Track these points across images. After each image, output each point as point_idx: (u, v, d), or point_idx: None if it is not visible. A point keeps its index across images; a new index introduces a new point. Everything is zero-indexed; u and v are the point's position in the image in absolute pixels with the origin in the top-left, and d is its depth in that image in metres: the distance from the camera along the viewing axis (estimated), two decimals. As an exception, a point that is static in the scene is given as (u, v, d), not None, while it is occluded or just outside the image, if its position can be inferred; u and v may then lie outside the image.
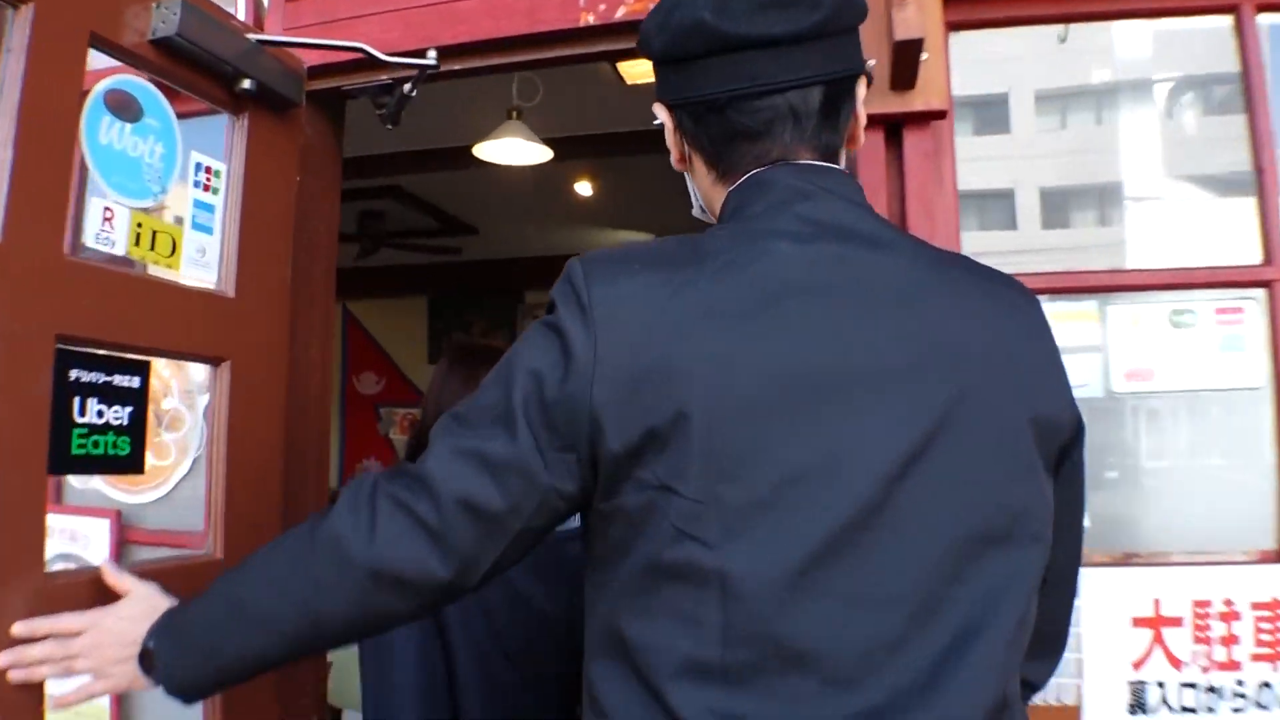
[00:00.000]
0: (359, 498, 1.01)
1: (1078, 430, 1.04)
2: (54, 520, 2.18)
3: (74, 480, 2.30)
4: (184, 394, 2.19)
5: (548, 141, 4.40)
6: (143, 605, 1.22)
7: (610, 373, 0.91)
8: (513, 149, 4.18)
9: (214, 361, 1.70)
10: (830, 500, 0.89)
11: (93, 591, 1.29)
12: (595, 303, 0.93)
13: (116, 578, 1.29)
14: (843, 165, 1.10)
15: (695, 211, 1.22)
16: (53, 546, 2.15)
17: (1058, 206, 1.89)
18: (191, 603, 1.16)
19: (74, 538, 2.22)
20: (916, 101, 1.66)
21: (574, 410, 0.92)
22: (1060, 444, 1.01)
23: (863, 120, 1.12)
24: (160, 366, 2.09)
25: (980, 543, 0.92)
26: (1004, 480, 0.95)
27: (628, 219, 7.06)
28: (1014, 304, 1.04)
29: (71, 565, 2.15)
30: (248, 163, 1.78)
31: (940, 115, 1.67)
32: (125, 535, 2.22)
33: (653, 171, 5.49)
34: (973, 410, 0.93)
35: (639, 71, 4.15)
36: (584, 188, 5.67)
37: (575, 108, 4.55)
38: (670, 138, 1.14)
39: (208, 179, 1.72)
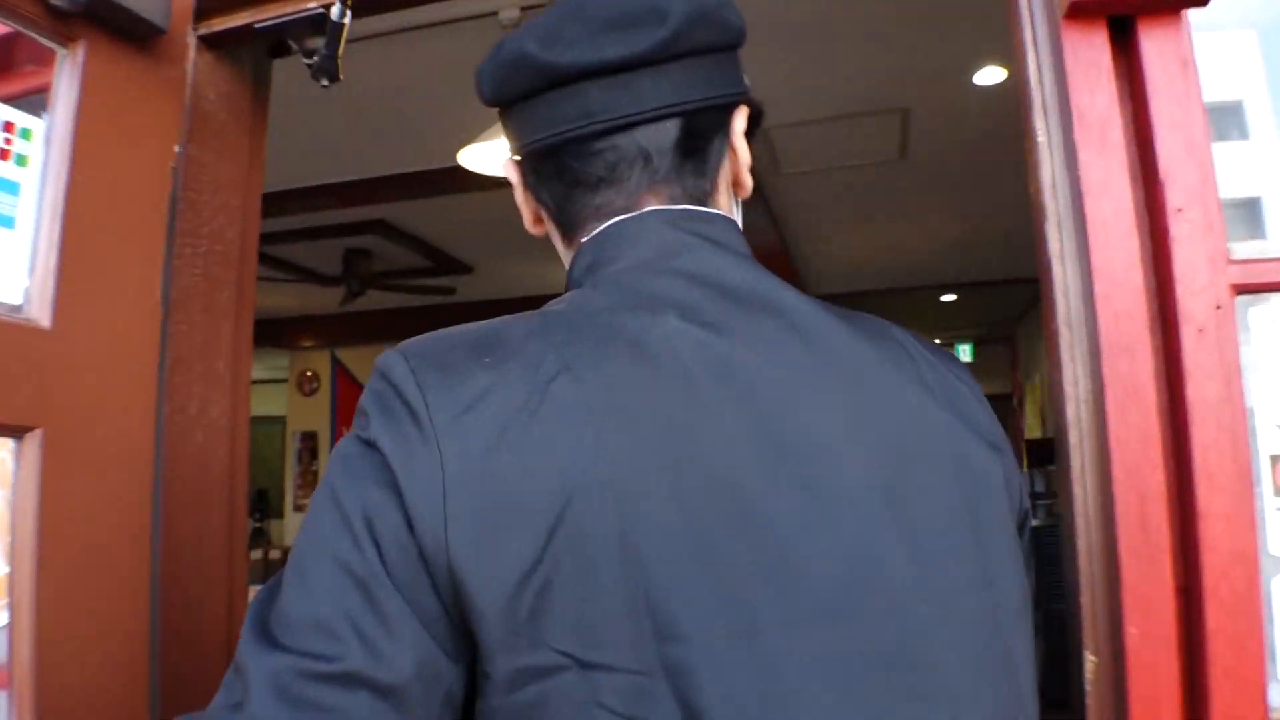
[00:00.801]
0: None
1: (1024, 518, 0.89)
2: None
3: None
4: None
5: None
6: None
7: (467, 505, 0.67)
8: (504, 154, 3.37)
9: (9, 432, 1.03)
10: (842, 636, 0.70)
11: None
12: (433, 409, 0.70)
13: None
14: (729, 212, 0.90)
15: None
16: None
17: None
18: None
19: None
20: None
21: (426, 566, 0.67)
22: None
23: (745, 159, 0.91)
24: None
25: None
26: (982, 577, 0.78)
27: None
28: (949, 370, 0.87)
29: None
30: (81, 118, 1.13)
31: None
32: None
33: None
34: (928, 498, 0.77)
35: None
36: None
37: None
38: (519, 196, 0.96)
39: (5, 140, 1.06)
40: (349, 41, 1.37)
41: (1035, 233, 1.14)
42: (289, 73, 1.68)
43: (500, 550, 0.67)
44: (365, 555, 0.68)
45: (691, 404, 0.73)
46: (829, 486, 0.73)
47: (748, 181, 0.93)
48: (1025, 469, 6.21)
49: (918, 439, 0.79)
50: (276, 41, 1.53)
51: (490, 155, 3.01)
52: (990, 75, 3.64)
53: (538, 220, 0.97)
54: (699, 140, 0.87)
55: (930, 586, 0.74)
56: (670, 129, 0.86)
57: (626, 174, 0.86)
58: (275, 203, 5.02)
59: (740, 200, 0.95)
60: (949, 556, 0.76)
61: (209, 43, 1.43)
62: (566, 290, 0.86)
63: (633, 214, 0.86)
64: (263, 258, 6.24)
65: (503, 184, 3.40)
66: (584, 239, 0.88)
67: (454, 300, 7.84)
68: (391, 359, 0.74)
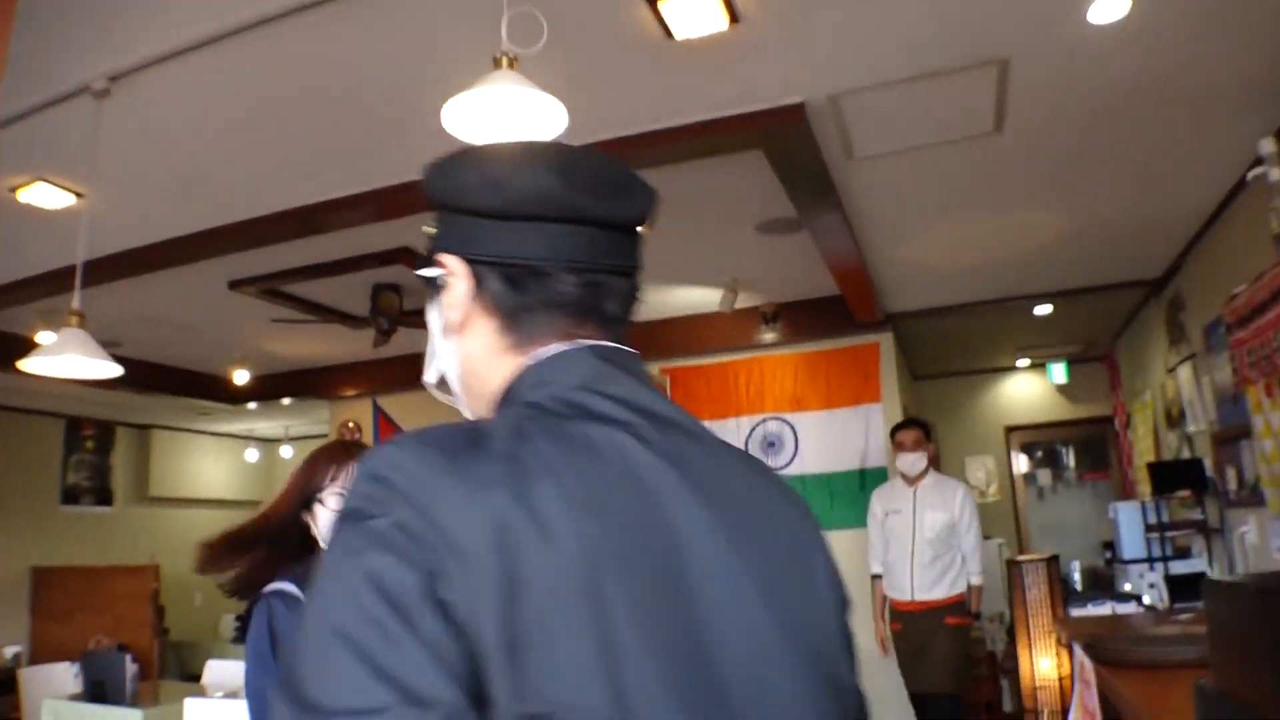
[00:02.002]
0: None
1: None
2: None
3: None
4: None
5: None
6: None
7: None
8: (501, 100, 2.39)
9: None
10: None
11: None
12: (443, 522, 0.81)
13: None
14: None
15: (429, 378, 1.10)
16: None
17: None
18: None
19: None
20: None
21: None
22: None
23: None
24: None
25: None
26: None
27: (688, 260, 5.74)
28: (803, 510, 1.06)
29: None
30: None
31: None
32: None
33: (717, 189, 4.14)
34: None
35: (695, 24, 2.88)
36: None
37: (601, 82, 3.28)
38: (457, 296, 1.02)
39: None
40: None
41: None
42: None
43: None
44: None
45: (645, 501, 0.88)
46: (718, 597, 0.87)
47: None
48: (1150, 495, 5.41)
49: (782, 546, 0.98)
50: None
51: (483, 111, 2.34)
52: (1107, 8, 2.91)
53: (462, 326, 1.03)
54: (635, 294, 1.06)
55: (804, 680, 0.91)
56: (633, 284, 1.05)
57: (598, 308, 1.01)
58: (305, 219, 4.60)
59: None
60: (828, 658, 0.96)
61: None
62: (504, 398, 1.00)
63: (572, 345, 0.99)
64: (289, 297, 5.77)
65: None
66: (527, 359, 0.99)
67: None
68: (385, 461, 0.85)
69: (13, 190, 3.93)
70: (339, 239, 4.99)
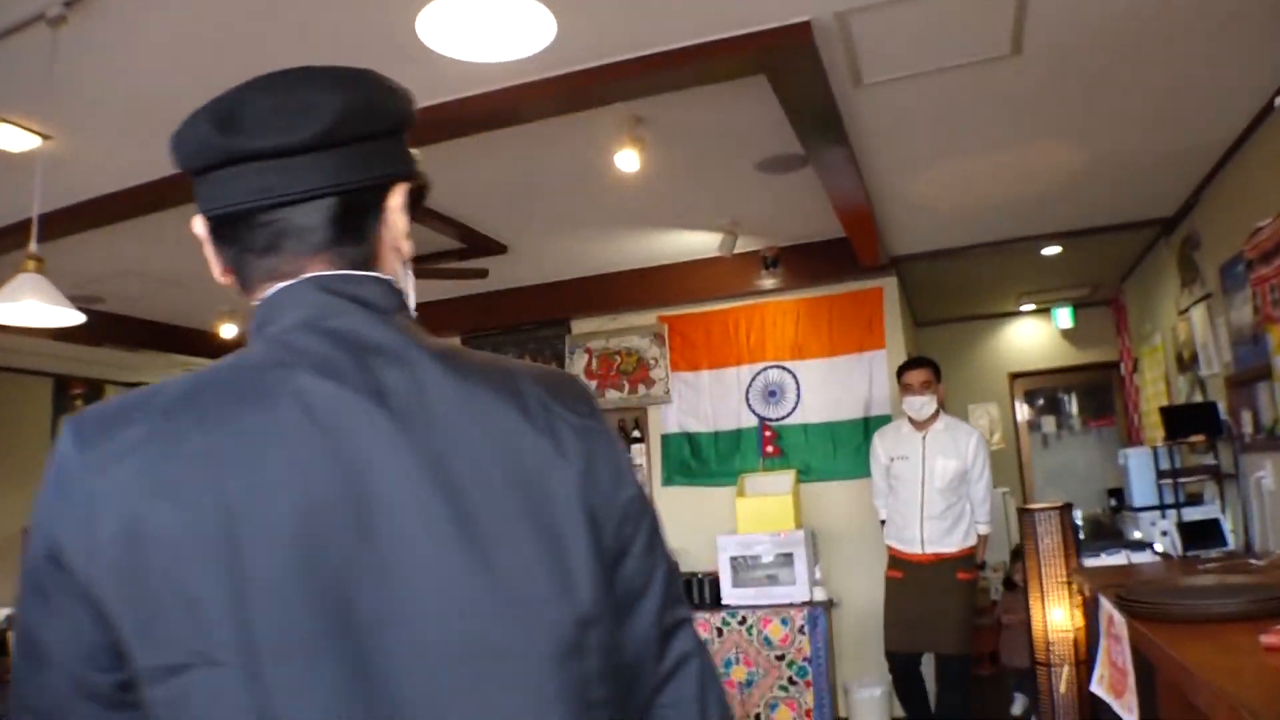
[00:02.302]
0: None
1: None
2: None
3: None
4: None
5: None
6: None
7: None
8: (482, 9, 2.23)
9: None
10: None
11: None
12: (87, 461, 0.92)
13: None
14: (396, 273, 1.09)
15: None
16: None
17: None
18: None
19: None
20: None
21: None
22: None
23: (400, 228, 1.09)
24: None
25: None
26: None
27: (685, 202, 5.53)
28: (550, 428, 1.01)
29: None
30: None
31: None
32: None
33: (715, 123, 3.93)
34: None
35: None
36: (627, 159, 4.14)
37: (587, 2, 3.06)
38: (208, 250, 1.09)
39: None
40: None
41: None
42: None
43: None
44: None
45: (297, 456, 0.90)
46: (405, 529, 0.90)
47: (406, 248, 1.11)
48: (1164, 441, 5.24)
49: (503, 470, 0.94)
50: None
51: (462, 22, 2.12)
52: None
53: (225, 271, 1.08)
54: (356, 215, 1.04)
55: (506, 599, 0.91)
56: (326, 206, 1.02)
57: (287, 245, 1.02)
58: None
59: (407, 262, 1.13)
60: (525, 572, 0.92)
61: None
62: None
63: (294, 280, 1.02)
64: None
65: (531, 132, 3.61)
66: (255, 301, 1.04)
67: (494, 288, 7.16)
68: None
69: (-31, 130, 3.72)
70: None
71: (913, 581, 5.12)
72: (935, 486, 5.09)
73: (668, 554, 1.10)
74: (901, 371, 5.34)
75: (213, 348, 8.21)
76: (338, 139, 1.00)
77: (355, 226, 1.04)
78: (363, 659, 0.85)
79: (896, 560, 5.25)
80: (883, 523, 5.45)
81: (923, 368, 5.24)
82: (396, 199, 1.08)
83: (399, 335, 1.00)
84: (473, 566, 0.89)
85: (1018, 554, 6.16)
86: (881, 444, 5.44)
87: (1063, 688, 4.15)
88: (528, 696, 0.89)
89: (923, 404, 5.18)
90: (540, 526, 0.94)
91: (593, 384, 7.06)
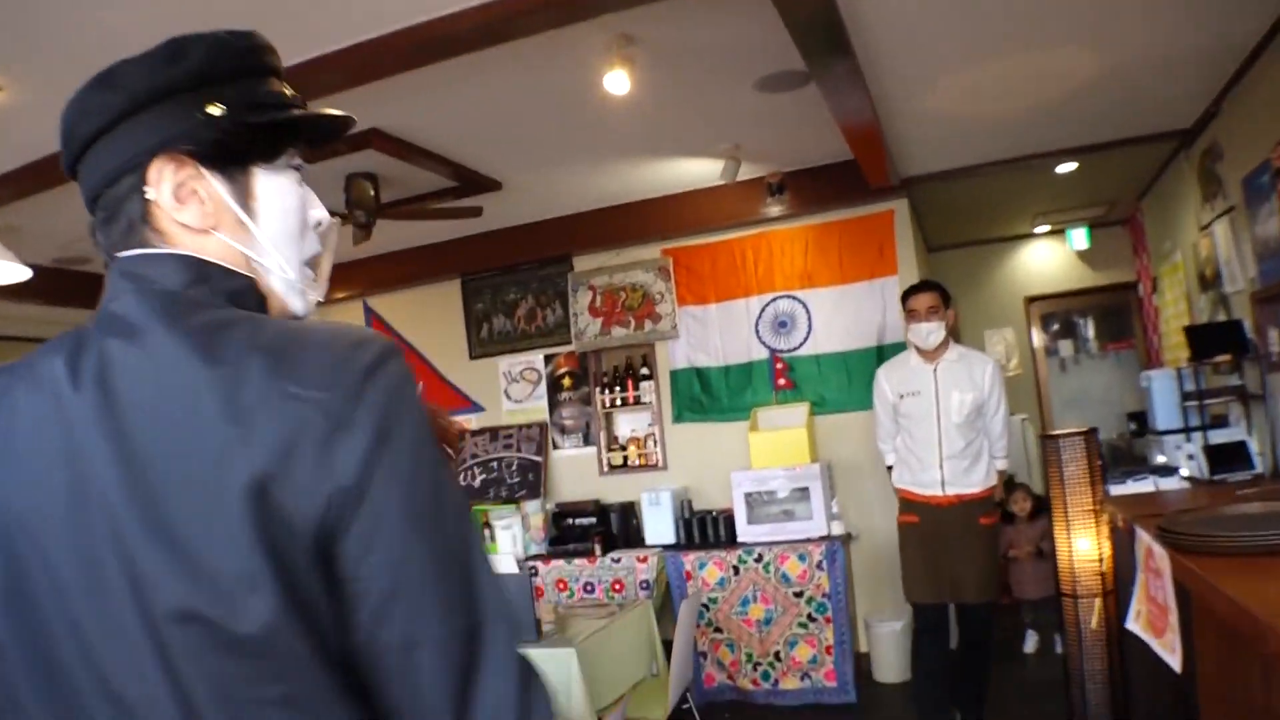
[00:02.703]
0: None
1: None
2: None
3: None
4: None
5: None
6: None
7: None
8: None
9: None
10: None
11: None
12: None
13: None
14: (221, 246, 1.06)
15: None
16: None
17: None
18: None
19: None
20: None
21: None
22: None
23: (168, 203, 1.04)
24: None
25: None
26: None
27: (683, 127, 5.31)
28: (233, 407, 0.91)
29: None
30: None
31: None
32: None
33: (709, 41, 3.71)
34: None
35: None
36: (617, 81, 3.92)
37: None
38: None
39: None
40: None
41: None
42: None
43: None
44: None
45: (61, 436, 0.94)
46: (106, 515, 0.90)
47: (199, 218, 1.05)
48: (1190, 362, 5.04)
49: (181, 454, 0.89)
50: None
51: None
52: None
53: None
54: (112, 207, 1.05)
55: (186, 584, 0.88)
56: (112, 197, 1.05)
57: (98, 234, 1.09)
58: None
59: (256, 225, 1.08)
60: (215, 550, 0.87)
61: None
62: None
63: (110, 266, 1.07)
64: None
65: (520, 56, 3.66)
66: None
67: (491, 228, 6.94)
68: None
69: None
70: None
71: (933, 526, 4.72)
72: (952, 421, 4.67)
73: (412, 555, 0.91)
74: (906, 296, 4.89)
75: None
76: (88, 138, 1.05)
77: (114, 218, 1.06)
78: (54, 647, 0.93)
79: (911, 504, 4.85)
80: (889, 468, 5.09)
81: (930, 291, 4.80)
82: (156, 173, 1.03)
83: (151, 312, 0.98)
84: (151, 543, 0.88)
85: (1011, 484, 6.01)
86: (887, 380, 4.99)
87: (1094, 623, 3.99)
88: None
89: (930, 331, 4.72)
90: (205, 515, 0.88)
91: (597, 321, 6.90)
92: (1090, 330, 9.30)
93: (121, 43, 3.22)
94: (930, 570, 4.70)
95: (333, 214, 4.39)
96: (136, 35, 3.21)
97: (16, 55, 3.14)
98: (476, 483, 7.17)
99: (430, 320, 7.64)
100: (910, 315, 4.81)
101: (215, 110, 1.04)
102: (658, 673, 4.66)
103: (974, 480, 4.68)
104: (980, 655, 4.75)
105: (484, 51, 3.60)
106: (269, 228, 1.08)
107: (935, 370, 4.76)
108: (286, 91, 1.11)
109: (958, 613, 4.88)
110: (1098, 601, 4.05)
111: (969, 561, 4.61)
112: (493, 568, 0.97)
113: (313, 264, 1.15)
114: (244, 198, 1.07)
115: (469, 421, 7.42)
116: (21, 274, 2.92)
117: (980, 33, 4.04)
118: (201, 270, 1.03)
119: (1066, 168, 6.51)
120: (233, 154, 1.06)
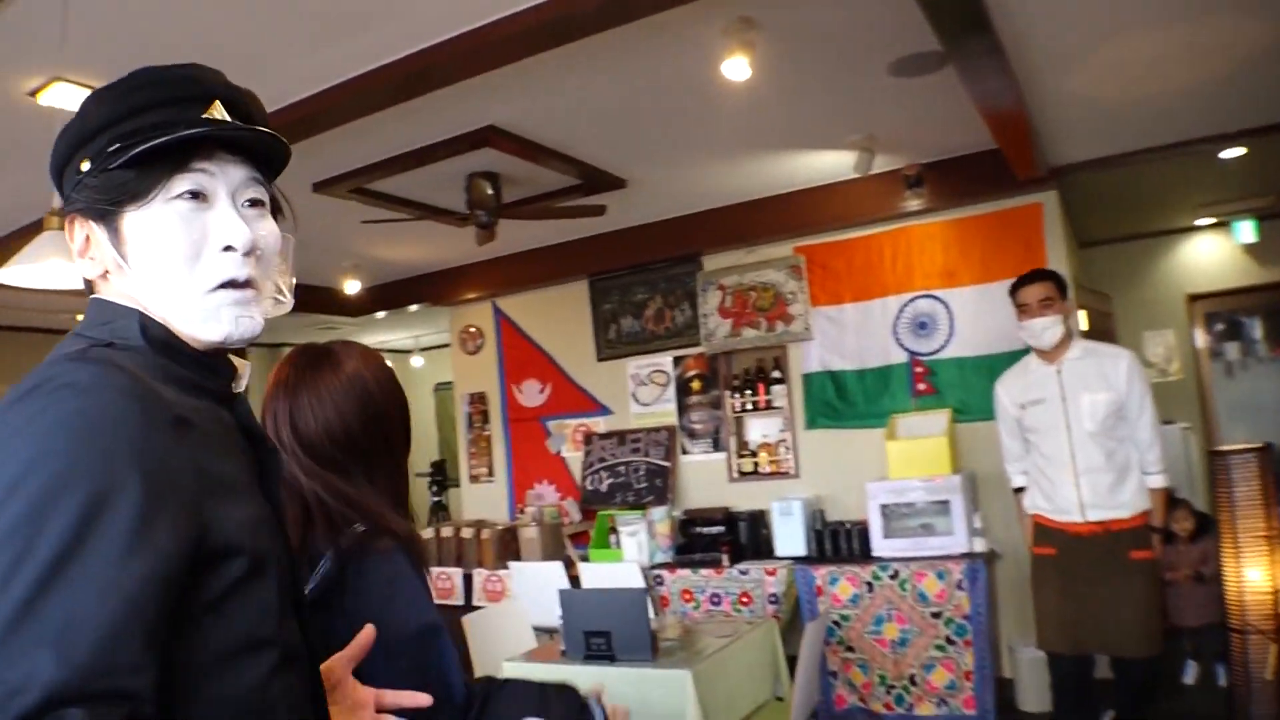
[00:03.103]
0: None
1: None
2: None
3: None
4: None
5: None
6: None
7: None
8: None
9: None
10: None
11: None
12: None
13: None
14: (128, 290, 1.12)
15: None
16: None
17: None
18: None
19: None
20: None
21: None
22: None
23: (78, 260, 1.15)
24: None
25: None
26: None
27: (812, 117, 5.03)
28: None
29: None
30: None
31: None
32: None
33: (838, 22, 3.48)
34: None
35: None
36: (736, 67, 3.69)
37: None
38: None
39: None
40: None
41: None
42: None
43: None
44: None
45: None
46: None
47: (123, 268, 1.11)
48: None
49: None
50: None
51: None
52: None
53: None
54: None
55: None
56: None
57: None
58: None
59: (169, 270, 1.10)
60: None
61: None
62: None
63: None
64: (379, 195, 5.30)
65: (637, 48, 3.75)
66: None
67: (618, 226, 6.82)
68: None
69: (32, 94, 3.50)
70: (424, 125, 4.49)
71: (1071, 560, 4.12)
72: (1085, 429, 4.07)
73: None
74: (1015, 290, 4.34)
75: (344, 304, 8.13)
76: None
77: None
78: None
79: (1046, 531, 4.25)
80: (1017, 490, 4.53)
81: (1040, 281, 4.26)
82: (68, 234, 1.14)
83: (51, 360, 1.04)
84: None
85: (1172, 500, 5.52)
86: (1006, 391, 4.46)
87: (1269, 673, 3.57)
88: None
89: (1045, 327, 4.17)
90: None
91: (727, 322, 6.69)
92: (1259, 331, 8.62)
93: (176, 50, 3.14)
94: (1070, 614, 4.11)
95: (454, 217, 4.24)
96: (189, 42, 3.12)
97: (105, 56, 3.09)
98: (604, 487, 7.04)
99: (558, 321, 7.57)
100: (1021, 311, 4.29)
101: (85, 165, 1.10)
102: (783, 695, 4.41)
103: (1121, 501, 4.06)
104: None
105: (600, 38, 3.43)
106: (141, 266, 1.10)
107: (1059, 372, 4.22)
108: (188, 118, 1.10)
109: (1114, 668, 4.29)
110: (1273, 648, 3.62)
111: (1121, 605, 3.98)
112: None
113: (255, 283, 1.15)
114: (117, 242, 1.10)
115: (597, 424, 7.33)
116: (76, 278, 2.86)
117: (1129, 4, 3.66)
118: (101, 310, 1.13)
119: (1233, 153, 5.99)
120: (104, 203, 1.09)
